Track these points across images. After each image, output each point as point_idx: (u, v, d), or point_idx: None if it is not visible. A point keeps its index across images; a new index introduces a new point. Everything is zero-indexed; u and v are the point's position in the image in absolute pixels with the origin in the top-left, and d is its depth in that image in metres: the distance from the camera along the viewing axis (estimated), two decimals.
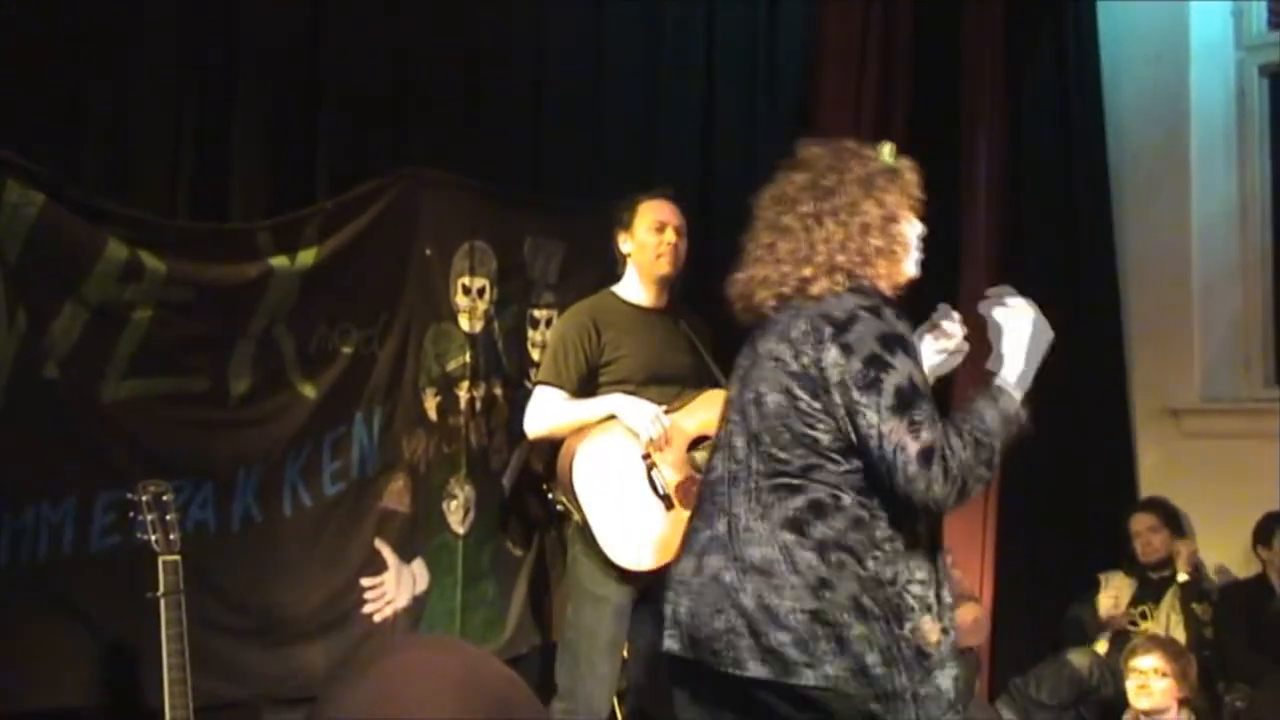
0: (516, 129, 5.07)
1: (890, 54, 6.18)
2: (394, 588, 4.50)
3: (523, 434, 4.42)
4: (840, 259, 2.78)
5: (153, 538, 3.39)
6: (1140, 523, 5.68)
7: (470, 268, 4.75)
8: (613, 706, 4.43)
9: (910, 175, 2.93)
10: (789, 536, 2.66)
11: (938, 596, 2.70)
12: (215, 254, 3.98)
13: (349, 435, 4.40)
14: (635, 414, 4.17)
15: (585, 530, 4.17)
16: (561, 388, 4.24)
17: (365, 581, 4.42)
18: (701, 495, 2.94)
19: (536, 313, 4.98)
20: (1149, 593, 5.54)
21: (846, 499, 2.67)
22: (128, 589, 3.54)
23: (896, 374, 2.65)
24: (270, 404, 4.17)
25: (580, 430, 4.20)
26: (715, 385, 4.42)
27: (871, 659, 2.60)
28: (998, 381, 2.78)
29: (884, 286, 2.83)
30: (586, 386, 4.26)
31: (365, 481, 4.43)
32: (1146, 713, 4.67)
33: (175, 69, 4.06)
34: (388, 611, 4.47)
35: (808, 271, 2.79)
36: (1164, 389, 6.22)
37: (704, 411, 4.34)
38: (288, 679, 4.11)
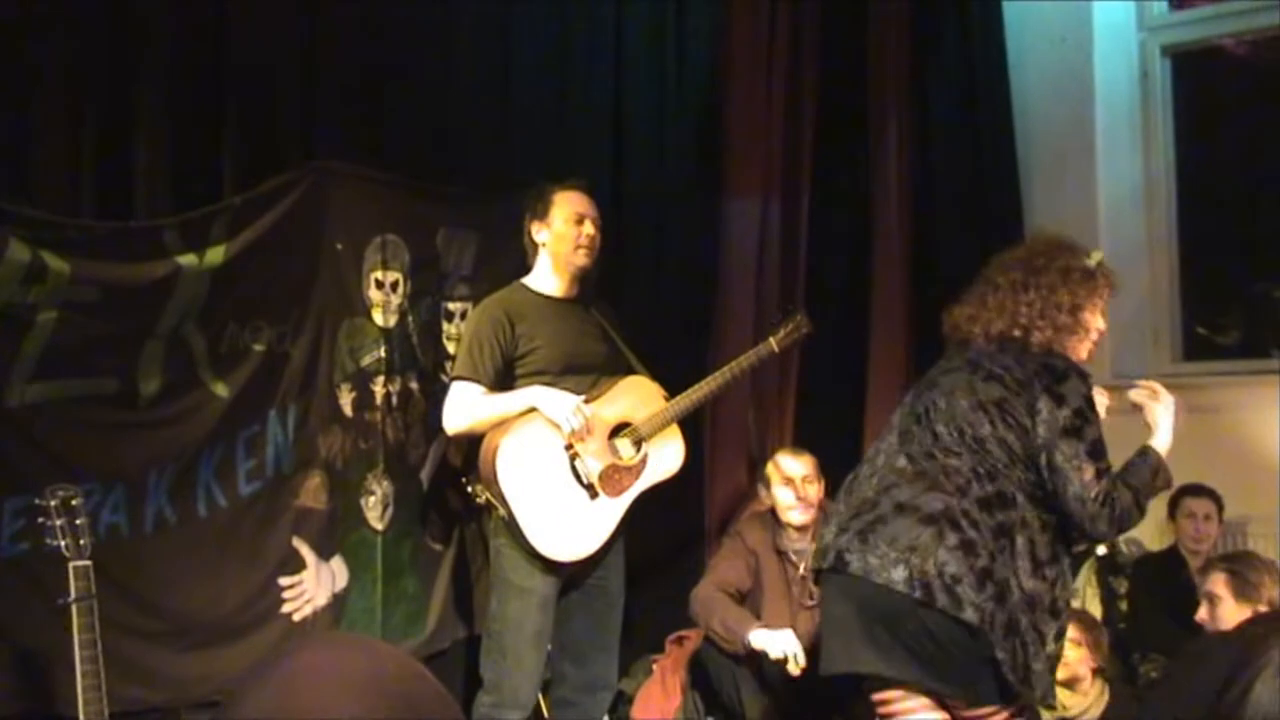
0: (426, 121, 5.02)
1: (799, 46, 6.22)
2: (313, 586, 4.46)
3: (440, 428, 4.40)
4: (1040, 323, 3.49)
5: (62, 543, 3.31)
6: None
7: (383, 261, 4.71)
8: (538, 698, 4.43)
9: (1105, 280, 3.62)
10: (979, 513, 3.31)
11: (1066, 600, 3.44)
12: (121, 253, 3.91)
13: (263, 434, 4.35)
14: (555, 405, 4.16)
15: (511, 524, 4.16)
16: (479, 382, 4.22)
17: (283, 581, 4.38)
18: (878, 465, 3.56)
19: (451, 305, 4.95)
20: None
21: (1021, 499, 3.35)
22: (39, 596, 3.49)
23: (1094, 429, 3.39)
24: (182, 404, 4.11)
25: (501, 424, 4.19)
26: (631, 372, 4.43)
27: (1012, 618, 3.25)
28: (1155, 448, 3.56)
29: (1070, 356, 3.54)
30: (503, 380, 4.24)
31: (281, 480, 4.38)
32: (1061, 682, 4.73)
33: (74, 65, 3.97)
34: (307, 610, 4.43)
35: (1020, 324, 3.51)
36: None
37: (624, 399, 4.35)
38: (205, 682, 4.06)
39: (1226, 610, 3.94)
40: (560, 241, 4.35)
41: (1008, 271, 3.61)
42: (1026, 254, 3.67)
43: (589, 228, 4.36)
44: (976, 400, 3.45)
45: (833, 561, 3.40)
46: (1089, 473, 3.34)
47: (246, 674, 1.19)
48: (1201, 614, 4.08)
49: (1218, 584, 3.96)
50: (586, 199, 4.41)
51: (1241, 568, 3.99)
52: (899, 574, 3.26)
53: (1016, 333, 3.50)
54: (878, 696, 3.39)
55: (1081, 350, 3.58)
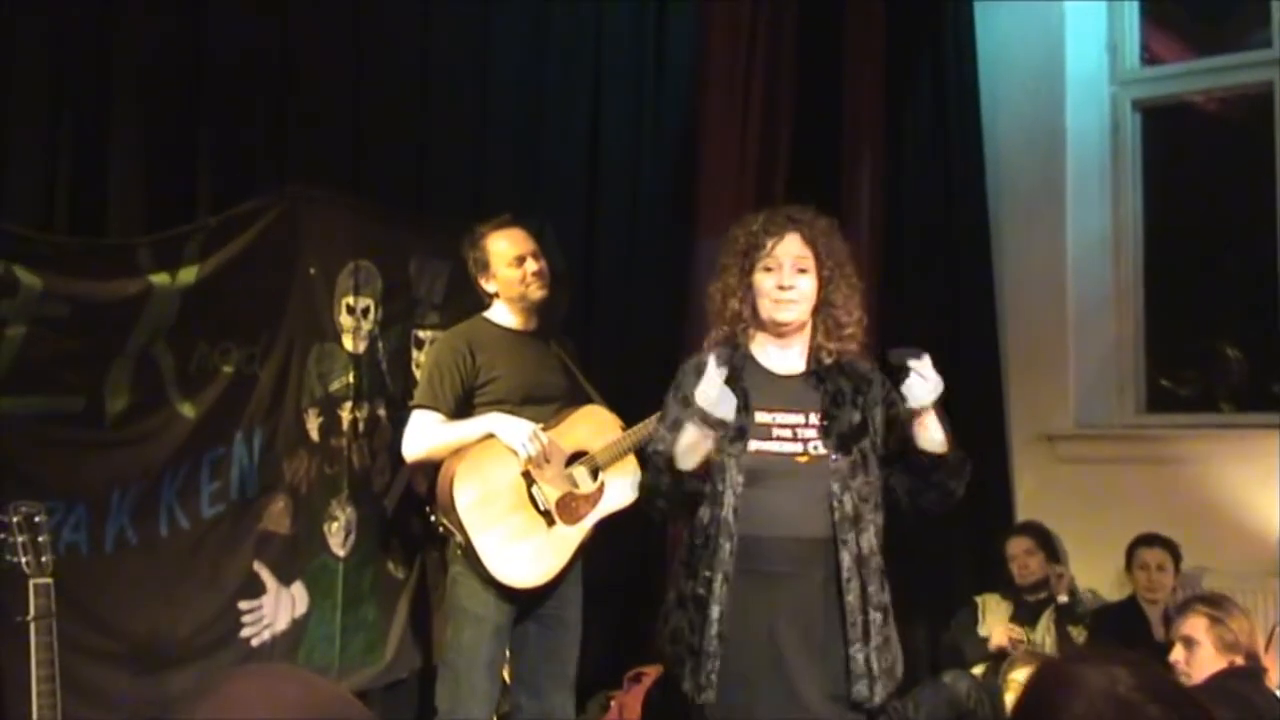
0: (401, 147, 5.05)
1: (774, 90, 6.24)
2: (272, 611, 4.43)
3: None
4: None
5: (23, 560, 3.28)
6: (1017, 546, 5.77)
7: (355, 287, 4.72)
8: None
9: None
10: None
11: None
12: (93, 270, 3.91)
13: (229, 456, 4.33)
14: (513, 432, 4.17)
15: (468, 551, 4.15)
16: (437, 410, 4.23)
17: (243, 605, 4.36)
18: None
19: (421, 333, 4.96)
20: (1025, 615, 5.62)
21: None
22: None
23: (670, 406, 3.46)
24: (148, 423, 4.10)
25: (459, 451, 4.19)
26: (589, 402, 4.43)
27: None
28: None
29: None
30: (462, 409, 4.25)
31: (245, 503, 4.37)
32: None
33: (50, 81, 3.98)
34: (266, 635, 4.41)
35: None
36: (1040, 415, 6.34)
37: (581, 428, 4.35)
38: (161, 705, 4.02)
39: (1205, 656, 3.77)
40: (509, 287, 4.36)
41: None
42: None
43: (531, 264, 4.36)
44: None
45: None
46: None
47: (180, 703, 1.19)
48: (1176, 656, 3.84)
49: (1198, 629, 3.80)
50: (518, 235, 4.40)
51: (1223, 614, 3.82)
52: None
53: None
54: None
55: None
